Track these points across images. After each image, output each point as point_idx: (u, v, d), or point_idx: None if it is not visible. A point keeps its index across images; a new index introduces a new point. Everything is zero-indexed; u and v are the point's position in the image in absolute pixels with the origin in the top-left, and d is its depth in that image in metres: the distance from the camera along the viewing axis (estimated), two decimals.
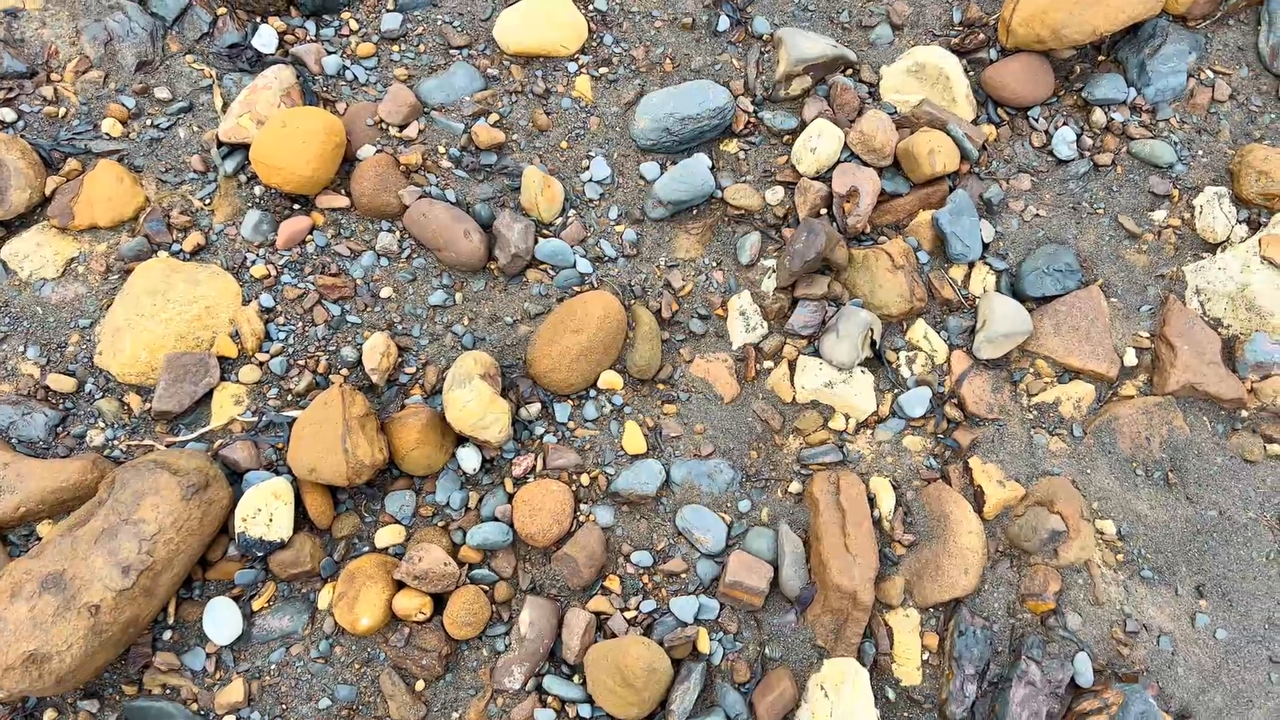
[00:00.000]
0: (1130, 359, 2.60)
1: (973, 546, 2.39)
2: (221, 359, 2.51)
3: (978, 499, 2.47)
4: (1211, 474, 2.50)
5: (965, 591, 2.36)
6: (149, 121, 2.74)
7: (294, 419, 2.44)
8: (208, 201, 2.67)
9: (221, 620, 2.30)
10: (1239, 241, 2.68)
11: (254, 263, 2.60)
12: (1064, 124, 2.84)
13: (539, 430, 2.51)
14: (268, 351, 2.51)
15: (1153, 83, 2.85)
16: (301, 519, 2.39)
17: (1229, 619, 2.40)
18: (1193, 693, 2.34)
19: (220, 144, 2.69)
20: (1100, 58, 2.92)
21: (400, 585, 2.33)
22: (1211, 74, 2.90)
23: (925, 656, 2.36)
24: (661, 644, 2.31)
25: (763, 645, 2.38)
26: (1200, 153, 2.82)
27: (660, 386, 2.59)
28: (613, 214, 2.71)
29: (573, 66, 2.84)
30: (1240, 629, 2.40)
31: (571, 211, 2.70)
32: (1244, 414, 2.55)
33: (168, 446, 2.44)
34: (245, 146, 2.68)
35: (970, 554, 2.38)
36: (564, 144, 2.76)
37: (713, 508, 2.48)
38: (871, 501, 2.47)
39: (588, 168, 2.75)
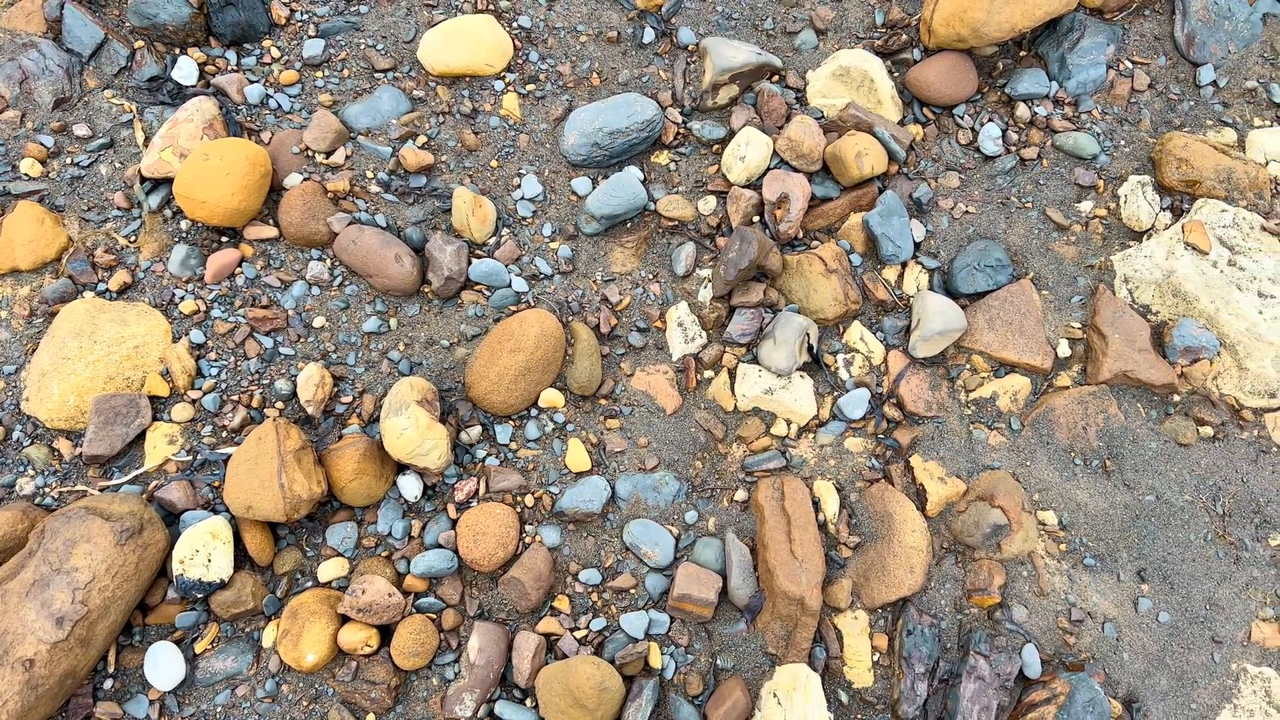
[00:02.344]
0: (1064, 350, 2.63)
1: (917, 545, 2.41)
2: (153, 398, 2.47)
3: (920, 497, 2.49)
4: (1147, 459, 2.54)
5: (912, 590, 2.38)
6: (69, 160, 2.69)
7: (229, 456, 2.40)
8: (133, 239, 2.63)
9: (163, 665, 2.26)
10: (1163, 229, 2.73)
11: (183, 298, 2.56)
12: (989, 120, 2.88)
13: (481, 453, 2.49)
14: (200, 388, 2.48)
15: (1073, 75, 2.89)
16: (242, 557, 2.35)
17: (1171, 601, 2.44)
18: (1138, 677, 2.37)
19: (143, 179, 2.65)
20: (1022, 53, 2.96)
21: (345, 619, 2.30)
22: (1130, 64, 2.95)
23: (876, 657, 2.37)
24: (613, 662, 2.30)
25: (714, 656, 2.38)
26: (1123, 143, 2.87)
27: (602, 402, 2.59)
28: (546, 231, 2.70)
29: (499, 85, 2.82)
30: (1182, 611, 2.43)
31: (504, 230, 2.69)
32: (1176, 399, 2.59)
33: (101, 491, 2.39)
34: (169, 181, 2.64)
35: (915, 552, 2.40)
36: (494, 163, 2.75)
37: (660, 521, 2.48)
38: (816, 505, 2.48)
39: (519, 186, 2.74)
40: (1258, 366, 2.53)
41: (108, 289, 2.56)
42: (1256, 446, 2.56)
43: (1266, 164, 2.81)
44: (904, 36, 2.90)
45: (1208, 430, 2.57)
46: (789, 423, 2.57)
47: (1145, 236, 2.75)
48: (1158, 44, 2.99)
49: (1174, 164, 2.74)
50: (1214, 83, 2.94)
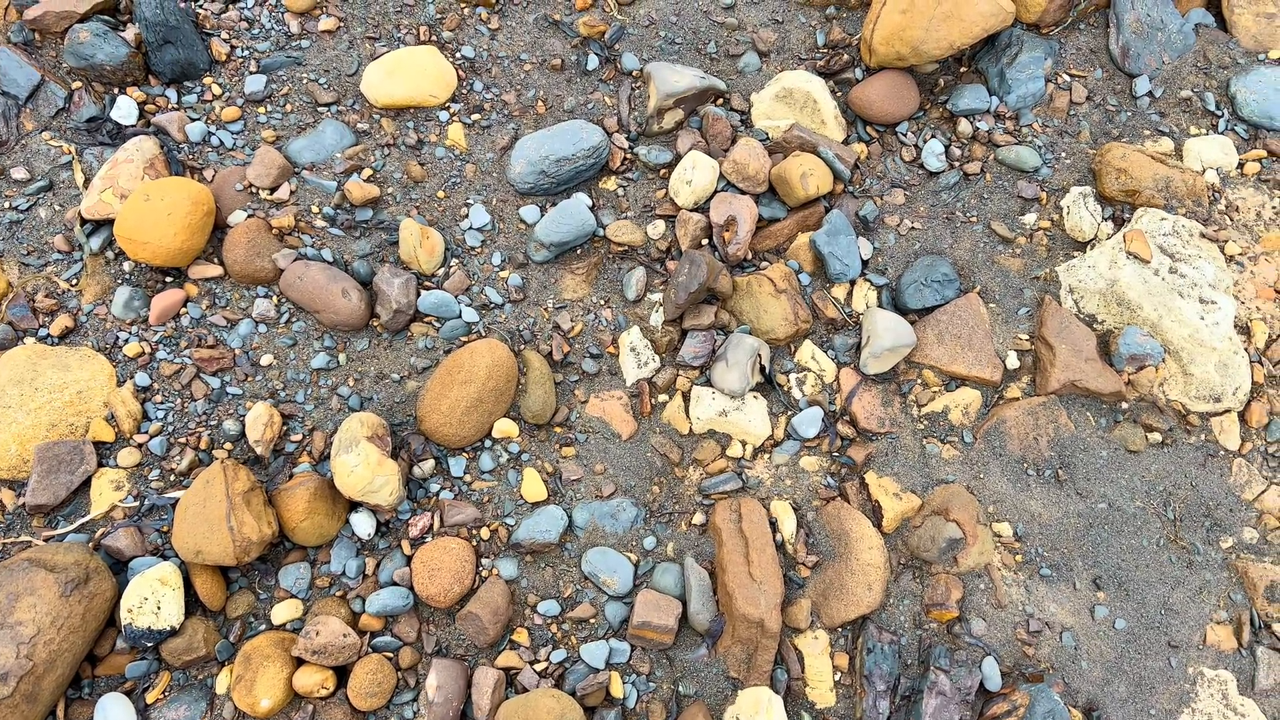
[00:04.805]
0: (1012, 362, 2.66)
1: (874, 562, 2.41)
2: (98, 444, 2.43)
3: (876, 513, 2.49)
4: (1098, 467, 2.57)
5: (870, 607, 2.38)
6: (7, 204, 2.64)
7: (177, 500, 2.36)
8: (75, 282, 2.59)
9: (114, 717, 2.20)
10: (1106, 238, 2.77)
11: (127, 341, 2.53)
12: (932, 137, 2.91)
13: (435, 487, 2.47)
14: (146, 432, 2.44)
15: (1013, 90, 2.94)
16: (193, 603, 2.31)
17: (1126, 608, 2.46)
18: (1097, 685, 2.38)
19: (84, 221, 2.61)
20: (962, 69, 3.00)
21: (300, 661, 2.26)
22: (1068, 78, 3.00)
23: (837, 677, 2.37)
24: (574, 693, 2.29)
25: (676, 683, 2.36)
26: (1063, 155, 2.91)
27: (557, 430, 2.58)
28: (496, 260, 2.70)
29: (444, 115, 2.82)
30: (1138, 617, 2.45)
31: (453, 261, 2.68)
32: (1124, 406, 2.62)
33: (46, 541, 2.34)
34: (110, 222, 2.60)
35: (873, 569, 2.40)
36: (441, 193, 2.74)
37: (618, 548, 2.46)
38: (773, 526, 2.48)
39: (466, 215, 2.73)
40: (1201, 371, 2.56)
41: (49, 334, 2.52)
42: (1204, 451, 2.60)
43: (1203, 171, 2.86)
44: (845, 56, 2.93)
45: (1156, 436, 2.60)
46: (744, 444, 2.57)
47: (1089, 247, 2.78)
48: (1094, 57, 3.04)
49: (1114, 174, 2.79)
50: (1150, 93, 2.99)
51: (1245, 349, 2.62)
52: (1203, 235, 2.72)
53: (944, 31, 2.76)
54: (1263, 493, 2.57)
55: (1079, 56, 3.03)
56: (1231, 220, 2.79)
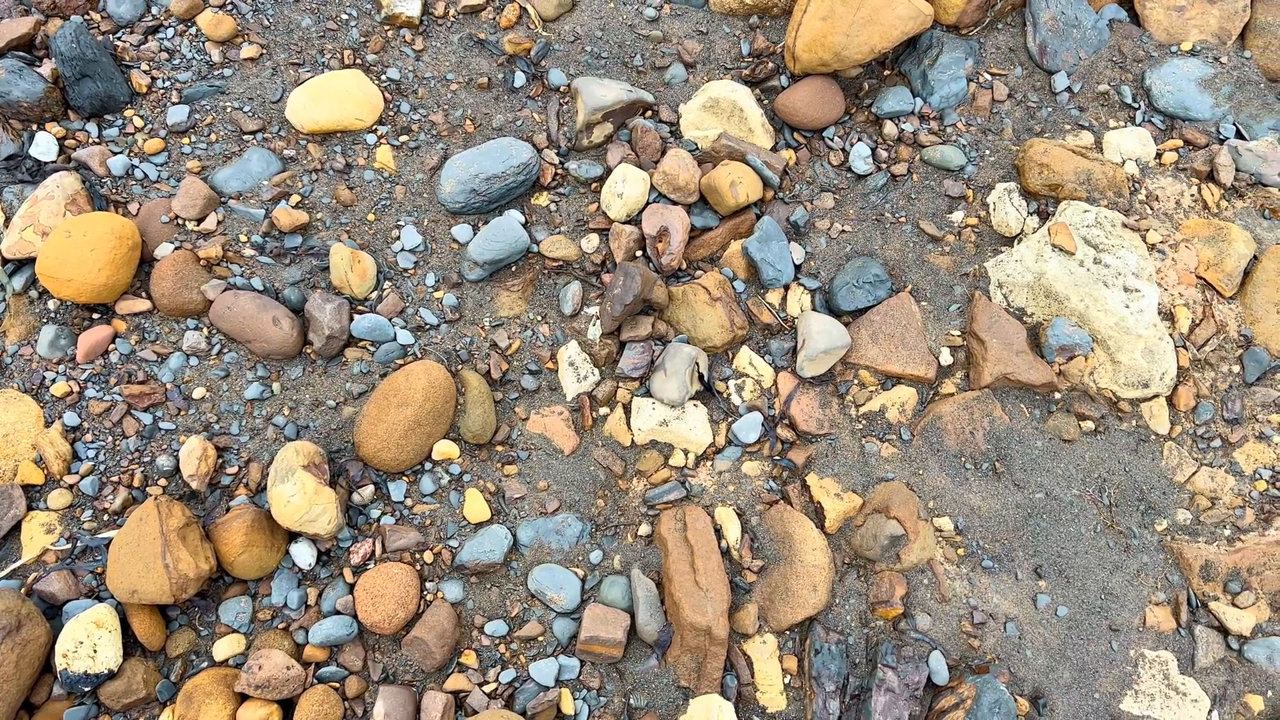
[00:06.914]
0: (946, 358, 2.69)
1: (819, 563, 2.43)
2: (27, 487, 2.38)
3: (819, 515, 2.51)
4: (1034, 458, 2.61)
5: (816, 609, 2.40)
6: None
7: (111, 540, 2.32)
8: None
9: None
10: (1032, 232, 2.82)
11: (54, 381, 2.48)
12: (858, 140, 2.95)
13: (375, 513, 2.45)
14: (77, 472, 2.40)
15: (936, 91, 2.98)
16: (132, 644, 2.27)
17: (1068, 595, 2.50)
18: (1042, 673, 2.42)
19: (5, 261, 2.57)
20: (885, 73, 3.05)
21: (244, 697, 2.23)
22: (989, 76, 3.06)
23: (787, 680, 2.38)
24: (524, 713, 2.28)
25: (627, 696, 2.36)
26: (988, 152, 2.97)
27: (499, 448, 2.57)
28: (429, 281, 2.69)
29: (371, 138, 2.81)
30: (1079, 603, 2.49)
31: (387, 284, 2.67)
32: (1057, 396, 2.67)
33: None
34: (32, 261, 2.56)
35: (817, 570, 2.42)
36: (371, 216, 2.73)
37: (564, 564, 2.46)
38: (718, 532, 2.49)
39: (398, 237, 2.72)
40: (1129, 359, 2.62)
41: None
42: (1136, 436, 2.65)
43: (1123, 163, 2.92)
44: (770, 64, 2.97)
45: (1089, 424, 2.65)
46: (686, 452, 2.58)
47: (1015, 241, 2.83)
48: (1013, 55, 3.10)
49: (1036, 169, 2.84)
50: (1069, 89, 3.06)
51: (1170, 335, 2.68)
52: (1124, 225, 2.78)
53: (865, 36, 2.80)
54: (1193, 474, 2.62)
55: (998, 55, 3.09)
56: (1152, 209, 2.86)
